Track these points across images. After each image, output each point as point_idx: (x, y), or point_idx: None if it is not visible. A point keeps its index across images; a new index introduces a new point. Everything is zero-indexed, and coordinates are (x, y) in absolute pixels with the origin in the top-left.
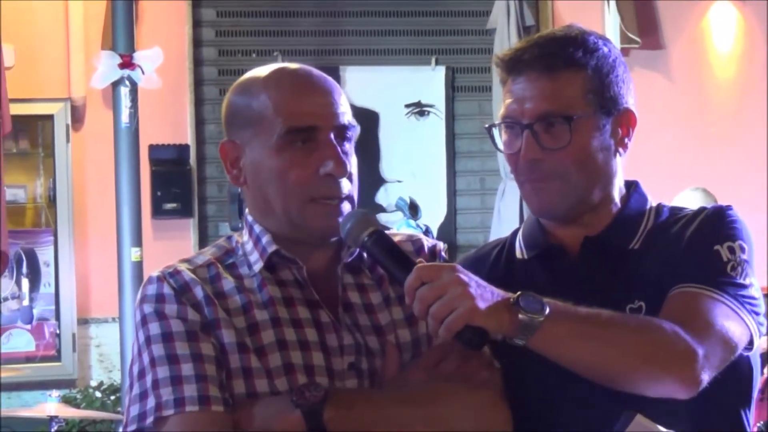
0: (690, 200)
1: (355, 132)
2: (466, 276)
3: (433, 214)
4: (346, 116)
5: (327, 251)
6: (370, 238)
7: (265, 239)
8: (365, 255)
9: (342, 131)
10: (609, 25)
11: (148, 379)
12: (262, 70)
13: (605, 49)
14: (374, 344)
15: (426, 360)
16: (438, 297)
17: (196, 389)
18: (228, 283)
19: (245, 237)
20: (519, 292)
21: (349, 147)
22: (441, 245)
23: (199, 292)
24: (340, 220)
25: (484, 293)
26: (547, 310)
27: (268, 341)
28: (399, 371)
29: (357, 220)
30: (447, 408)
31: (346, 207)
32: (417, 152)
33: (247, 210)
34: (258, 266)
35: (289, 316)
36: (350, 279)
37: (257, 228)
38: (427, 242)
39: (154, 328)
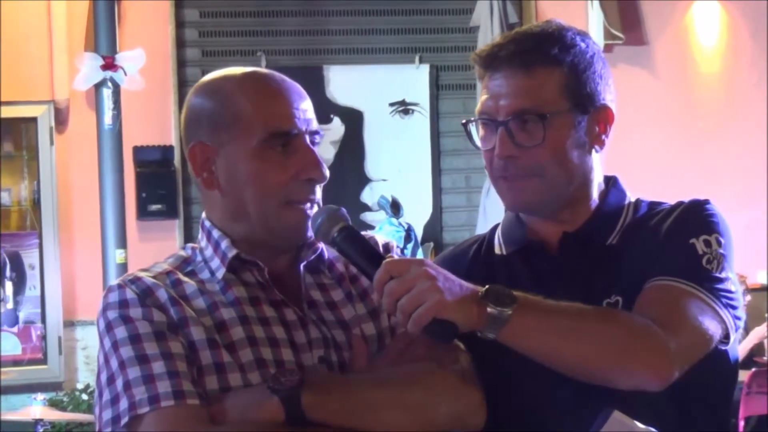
0: None
1: (322, 138)
2: (434, 270)
3: (419, 213)
4: (315, 122)
5: (286, 254)
6: (339, 233)
7: (224, 244)
8: (324, 254)
9: (313, 136)
10: (592, 22)
11: (119, 382)
12: (230, 73)
13: (583, 45)
14: (341, 338)
15: (394, 347)
16: (406, 291)
17: (169, 385)
18: (190, 286)
19: (203, 242)
20: (487, 286)
21: (317, 152)
22: (394, 243)
23: (162, 294)
24: (307, 222)
25: (452, 287)
26: (516, 304)
27: (238, 337)
28: (367, 363)
29: (327, 216)
30: (422, 389)
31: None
32: (402, 151)
33: (204, 215)
34: (221, 273)
35: (256, 315)
36: (310, 279)
37: (216, 233)
38: (381, 240)
39: (121, 332)
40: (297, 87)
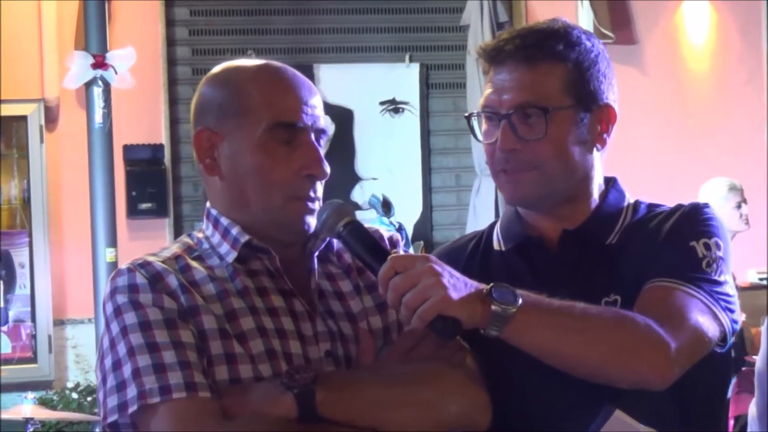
0: (715, 190)
1: (327, 137)
2: (440, 266)
3: (409, 212)
4: (323, 120)
5: (291, 245)
6: (345, 228)
7: (235, 230)
8: (334, 244)
9: (319, 135)
10: (582, 21)
11: (127, 368)
12: (244, 64)
13: (588, 44)
14: (348, 331)
15: (401, 345)
16: (411, 286)
17: (181, 376)
18: (199, 272)
19: (209, 231)
20: (492, 284)
21: (322, 152)
22: (397, 235)
23: (173, 280)
24: (309, 219)
25: (457, 284)
26: (520, 302)
27: (248, 327)
28: (374, 357)
29: (333, 211)
30: (434, 388)
31: (317, 207)
32: (392, 149)
33: (209, 204)
34: (231, 257)
35: (265, 305)
36: (319, 268)
37: (224, 220)
38: (386, 233)
39: (130, 317)
40: (308, 83)
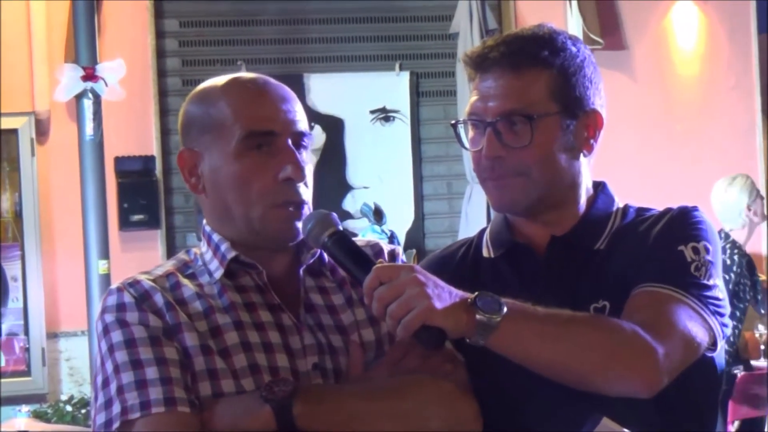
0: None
1: (311, 140)
2: (424, 276)
3: (401, 220)
4: (302, 124)
5: (286, 255)
6: (330, 238)
7: (224, 247)
8: (325, 257)
9: (298, 138)
10: (571, 27)
11: (113, 386)
12: (218, 80)
13: (573, 49)
14: (338, 343)
15: (390, 357)
16: (396, 297)
17: (161, 392)
18: (188, 290)
19: (204, 247)
20: (477, 293)
21: (306, 155)
22: (399, 249)
23: (159, 299)
24: (298, 224)
25: (442, 293)
26: (505, 310)
27: (232, 343)
28: (364, 370)
29: (318, 221)
30: (416, 401)
31: (305, 212)
32: (383, 158)
33: (204, 220)
34: (219, 273)
35: (252, 320)
36: (311, 282)
37: (216, 237)
38: (386, 247)
39: (117, 336)
40: (282, 90)
